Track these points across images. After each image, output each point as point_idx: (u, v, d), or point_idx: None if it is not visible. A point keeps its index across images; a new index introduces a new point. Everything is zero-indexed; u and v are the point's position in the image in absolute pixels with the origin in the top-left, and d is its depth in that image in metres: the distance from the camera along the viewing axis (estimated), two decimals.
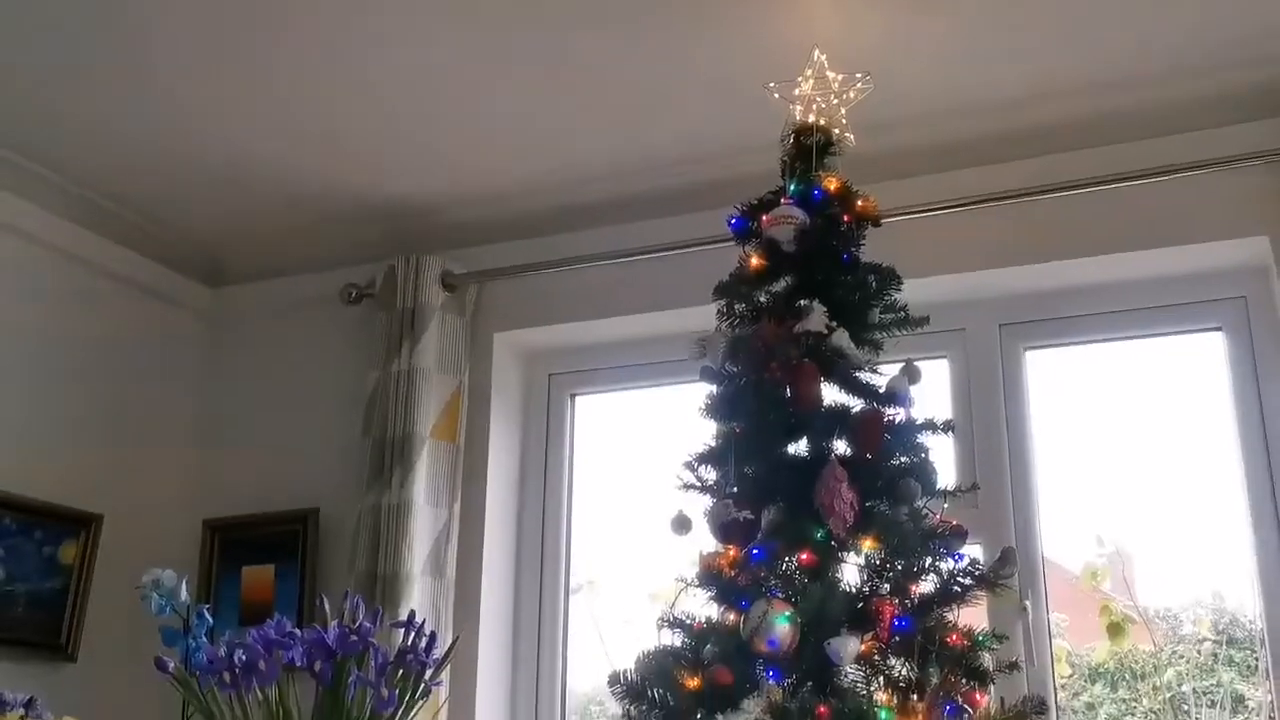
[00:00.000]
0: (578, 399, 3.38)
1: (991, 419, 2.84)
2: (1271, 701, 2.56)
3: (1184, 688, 2.91)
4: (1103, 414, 2.94)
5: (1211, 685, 2.87)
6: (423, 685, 2.37)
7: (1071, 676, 2.99)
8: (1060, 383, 2.95)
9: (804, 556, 1.94)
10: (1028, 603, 2.64)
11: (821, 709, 1.82)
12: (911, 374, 2.15)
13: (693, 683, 1.86)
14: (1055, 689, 2.67)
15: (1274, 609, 2.56)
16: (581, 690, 3.28)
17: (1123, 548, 2.98)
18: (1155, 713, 2.93)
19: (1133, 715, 2.97)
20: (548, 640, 3.14)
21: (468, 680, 2.94)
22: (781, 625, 1.83)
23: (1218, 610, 2.96)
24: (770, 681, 1.83)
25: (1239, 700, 2.84)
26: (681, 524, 2.16)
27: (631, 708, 1.99)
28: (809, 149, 2.30)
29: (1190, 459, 2.84)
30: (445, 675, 2.68)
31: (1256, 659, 2.81)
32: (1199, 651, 2.93)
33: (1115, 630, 2.81)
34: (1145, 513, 2.88)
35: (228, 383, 3.53)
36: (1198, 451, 2.83)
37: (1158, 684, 2.94)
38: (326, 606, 2.52)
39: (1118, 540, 2.97)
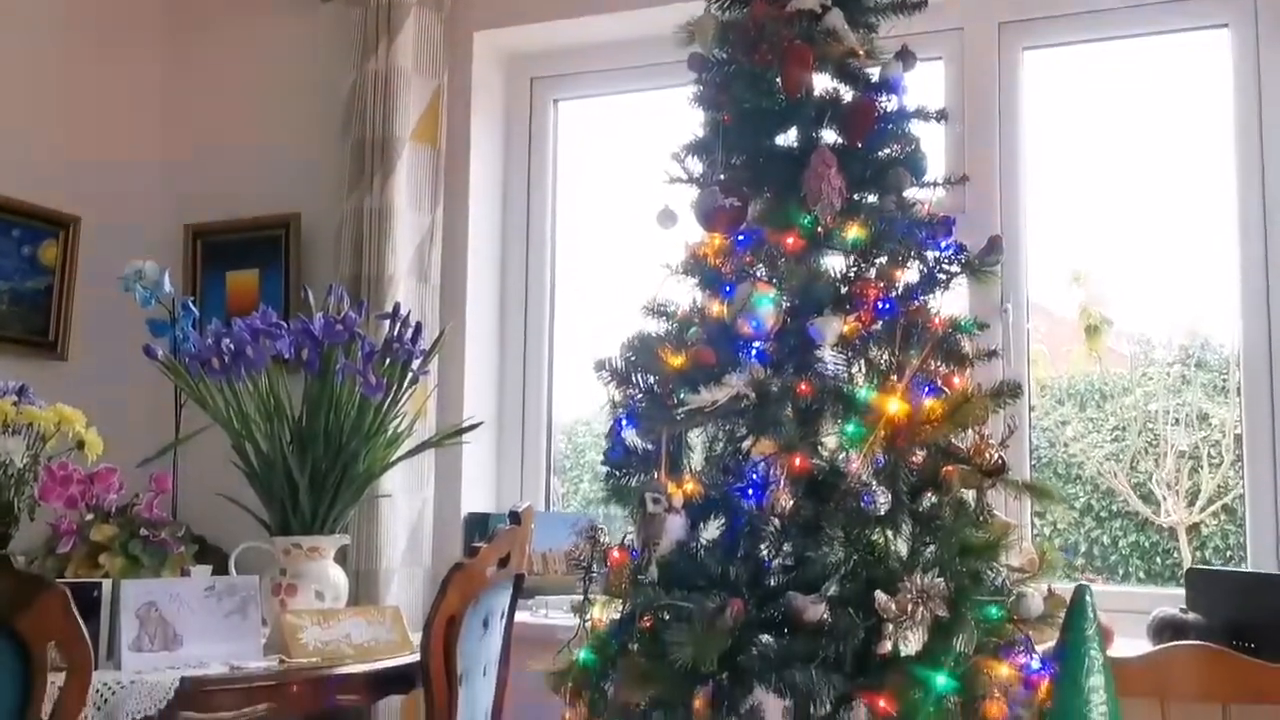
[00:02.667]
0: (561, 104, 3.29)
1: (985, 121, 2.79)
2: (1237, 418, 2.63)
3: (1151, 407, 2.99)
4: (1096, 126, 2.88)
5: (1178, 405, 2.95)
6: (410, 374, 2.42)
7: (1043, 398, 3.07)
8: (1057, 91, 2.88)
9: (790, 242, 1.93)
10: (1009, 305, 2.67)
11: (802, 387, 1.85)
12: (906, 60, 2.07)
13: (676, 361, 1.88)
14: (1030, 382, 2.74)
15: (1252, 326, 2.59)
16: (569, 417, 3.35)
17: (1104, 269, 2.99)
18: (1121, 430, 3.02)
19: (1099, 433, 3.06)
20: (534, 345, 3.20)
21: (455, 372, 3.01)
22: (765, 306, 1.84)
23: (1191, 333, 3.00)
24: (753, 361, 1.86)
25: (1203, 418, 2.92)
26: (667, 217, 2.13)
27: (617, 392, 2.02)
28: None
29: (1181, 178, 2.81)
30: (433, 368, 2.73)
31: (1224, 379, 2.87)
32: (1168, 374, 2.99)
33: (1092, 332, 2.86)
34: (1130, 234, 2.87)
35: (199, 83, 3.42)
36: (1189, 169, 2.79)
37: (1125, 404, 3.01)
38: (311, 299, 2.54)
39: (1100, 259, 2.98)
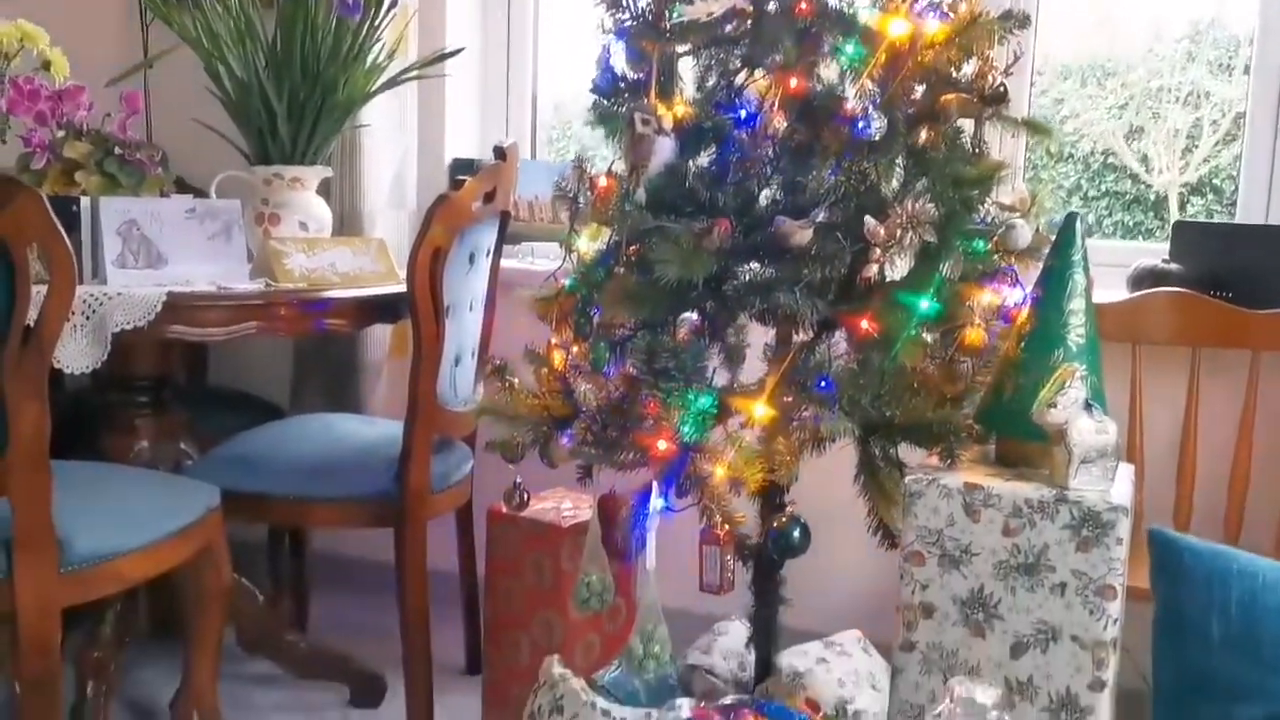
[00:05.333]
0: None
1: None
2: (1240, 95, 2.54)
3: (1154, 84, 2.91)
4: None
5: (1180, 82, 2.87)
6: None
7: (1043, 74, 2.97)
8: None
9: None
10: None
11: (802, 6, 1.76)
12: None
13: None
14: (1034, 47, 2.64)
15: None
16: (558, 90, 3.22)
17: None
18: (1121, 109, 2.95)
19: (1097, 110, 2.99)
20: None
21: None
22: None
23: (1202, 9, 2.88)
24: None
25: (1205, 95, 2.85)
26: None
27: (607, 16, 1.92)
28: None
29: None
30: None
31: (1230, 57, 2.78)
32: (1175, 50, 2.90)
33: None
34: None
35: None
36: None
37: (1130, 80, 2.93)
38: None
39: None
